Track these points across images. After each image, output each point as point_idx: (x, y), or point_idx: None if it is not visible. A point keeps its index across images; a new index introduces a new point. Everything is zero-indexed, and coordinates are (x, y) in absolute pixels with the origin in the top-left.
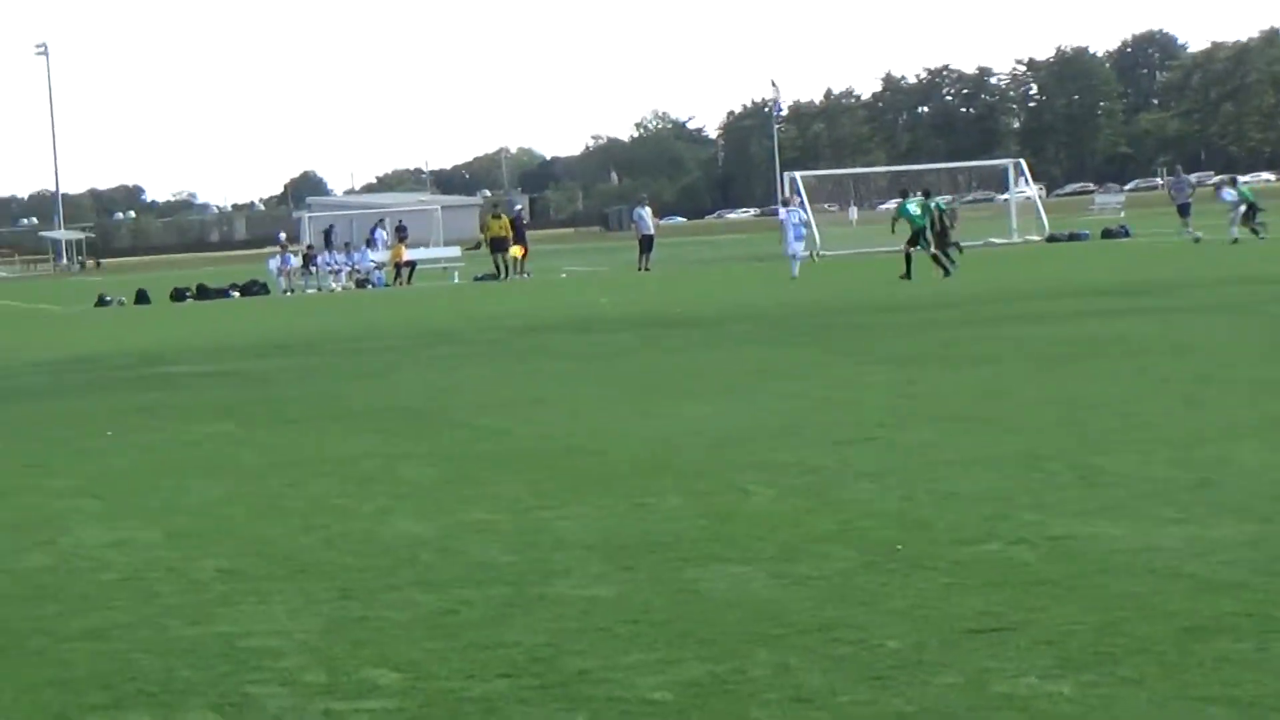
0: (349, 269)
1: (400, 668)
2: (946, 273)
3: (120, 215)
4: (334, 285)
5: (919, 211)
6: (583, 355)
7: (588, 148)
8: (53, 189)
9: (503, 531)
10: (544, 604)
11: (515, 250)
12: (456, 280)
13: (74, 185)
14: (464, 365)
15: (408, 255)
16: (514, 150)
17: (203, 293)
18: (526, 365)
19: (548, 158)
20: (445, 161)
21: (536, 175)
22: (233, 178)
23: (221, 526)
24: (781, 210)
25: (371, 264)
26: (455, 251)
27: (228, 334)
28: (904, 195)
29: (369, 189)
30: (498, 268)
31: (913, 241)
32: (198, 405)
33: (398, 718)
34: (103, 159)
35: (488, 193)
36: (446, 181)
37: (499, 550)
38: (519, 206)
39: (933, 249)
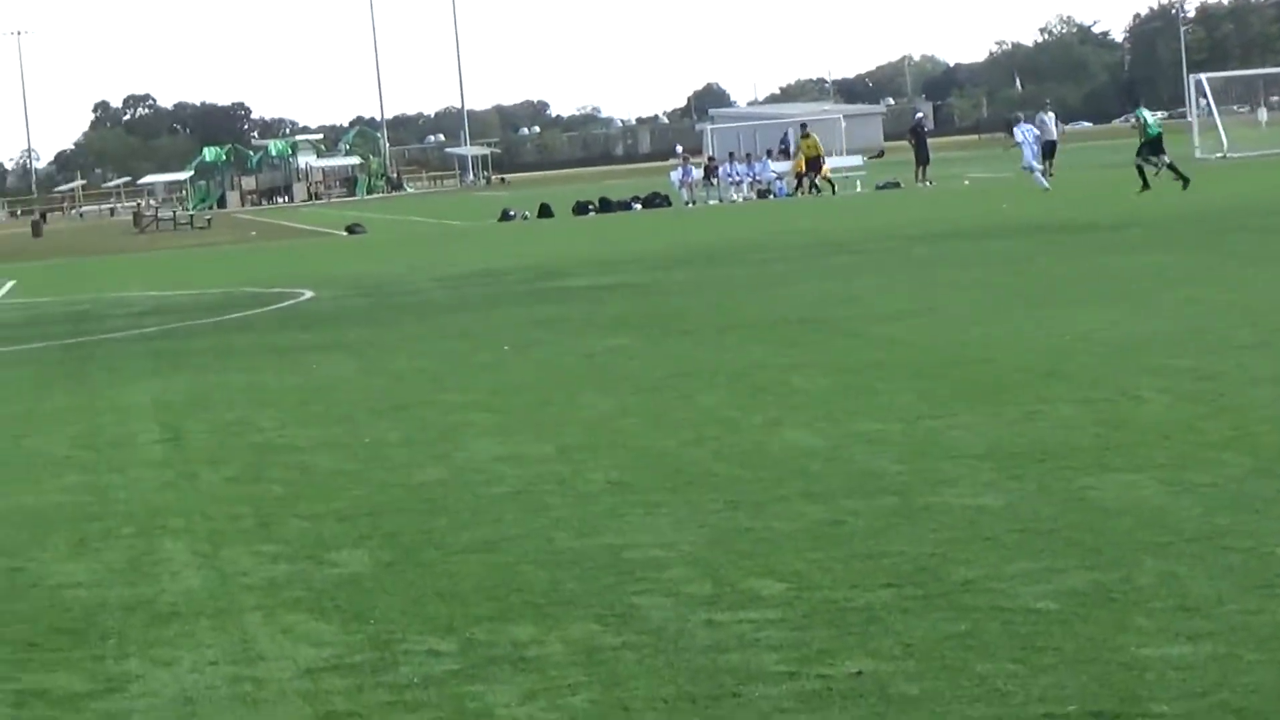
0: (750, 180)
1: (784, 578)
2: None
3: (525, 130)
4: (735, 196)
5: None
6: (978, 263)
7: (991, 54)
8: (459, 106)
9: (892, 441)
10: (930, 513)
11: (825, 170)
12: (859, 190)
13: (480, 102)
14: (859, 274)
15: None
16: (917, 58)
17: (605, 206)
18: (921, 274)
19: (951, 65)
20: (848, 70)
21: (940, 82)
22: (636, 91)
23: (612, 439)
24: (1017, 131)
25: (773, 174)
26: (858, 160)
27: (627, 247)
28: None
29: (772, 99)
30: (812, 185)
31: None
32: (594, 318)
33: (780, 628)
34: (508, 75)
35: (891, 101)
36: (849, 90)
37: (888, 460)
38: (920, 114)
39: None
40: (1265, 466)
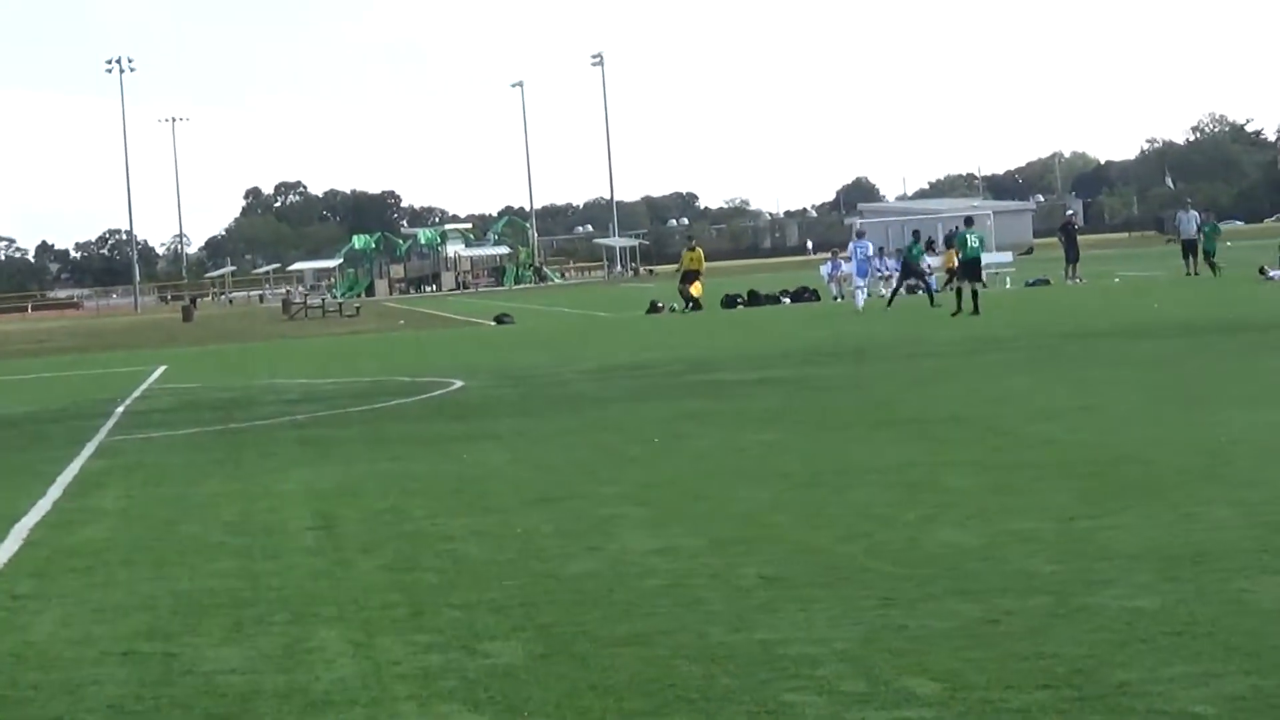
0: (898, 274)
1: (939, 677)
2: None
3: (674, 222)
4: (884, 291)
5: None
6: (1132, 361)
7: (1143, 151)
8: (607, 196)
9: (1046, 540)
10: (1086, 614)
11: (695, 288)
12: (1009, 286)
13: (628, 193)
14: (1012, 372)
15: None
16: (1067, 154)
17: (753, 299)
18: (1075, 372)
19: (1101, 161)
20: (998, 166)
21: (1090, 179)
22: (785, 184)
23: (765, 534)
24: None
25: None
26: (1008, 257)
27: (776, 341)
28: None
29: (921, 194)
30: (687, 299)
31: None
32: (745, 412)
33: None
34: (657, 167)
35: (1040, 197)
36: (999, 186)
37: (1042, 559)
38: (1070, 211)
39: None
40: None
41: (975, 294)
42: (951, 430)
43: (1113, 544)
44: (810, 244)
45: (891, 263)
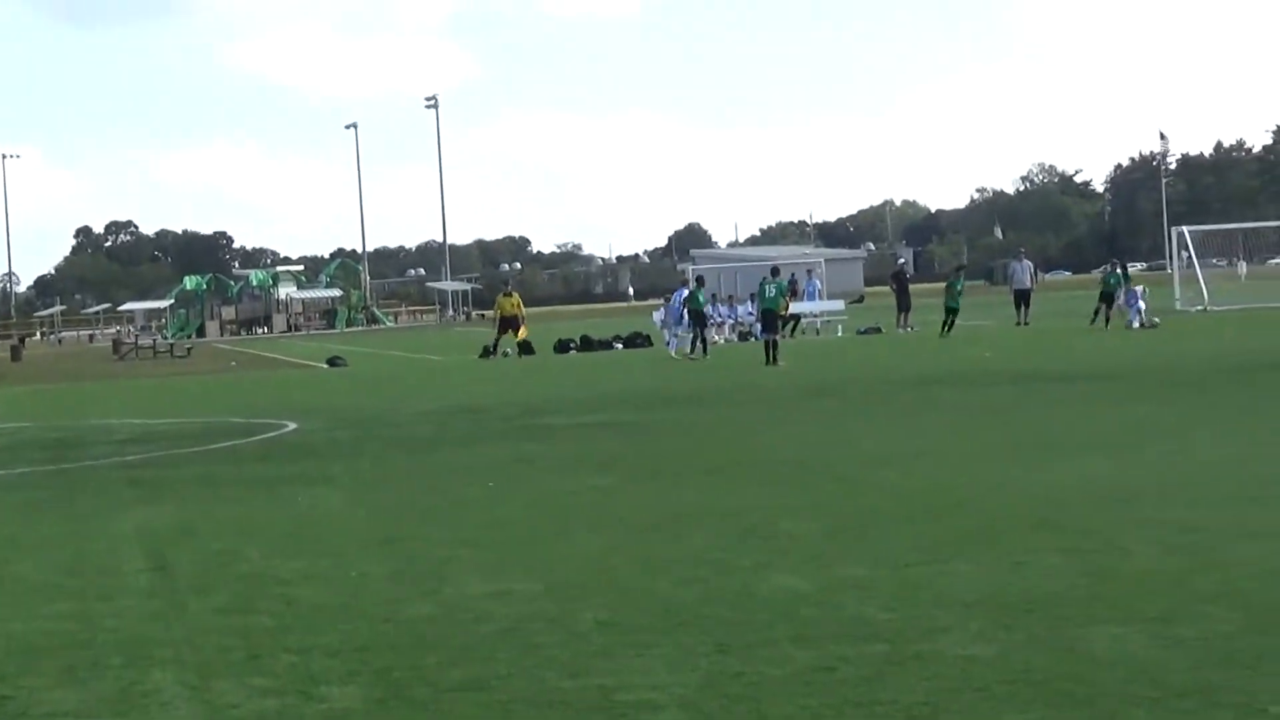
0: (732, 321)
1: None
2: None
3: (506, 266)
4: (717, 338)
5: None
6: (965, 409)
7: (973, 200)
8: (440, 240)
9: (881, 587)
10: (922, 662)
11: (521, 333)
12: (841, 333)
13: (461, 236)
14: (845, 419)
15: (792, 308)
16: (898, 202)
17: (586, 344)
18: (909, 418)
19: (932, 210)
20: (830, 213)
21: (921, 228)
22: (618, 229)
23: (602, 579)
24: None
25: (753, 317)
26: (839, 305)
27: (610, 386)
28: None
29: (753, 241)
30: (496, 346)
31: None
32: (580, 457)
33: None
34: (490, 210)
35: (871, 246)
36: (830, 233)
37: (877, 606)
38: (902, 260)
39: None
40: (1255, 622)
41: (769, 345)
42: (786, 476)
43: (948, 591)
44: (631, 290)
45: (724, 310)
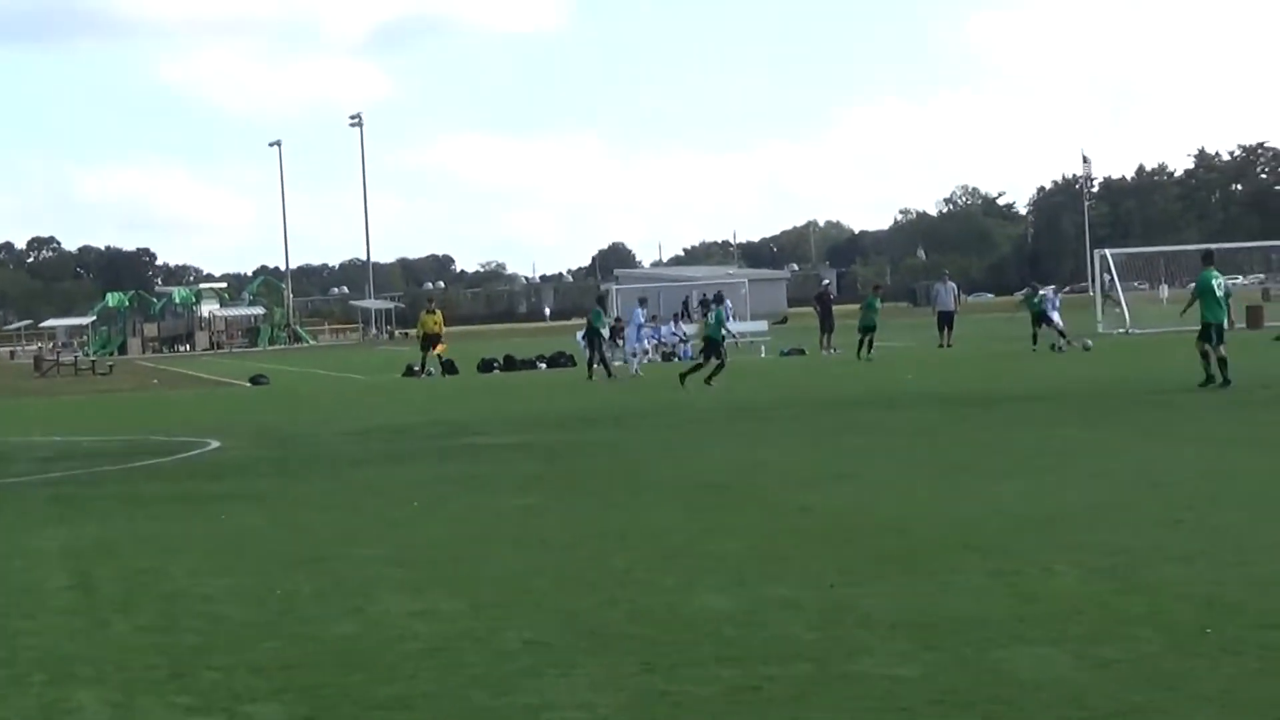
0: (656, 342)
1: None
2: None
3: (429, 285)
4: (640, 358)
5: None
6: (888, 431)
7: (896, 222)
8: (364, 258)
9: (806, 607)
10: (847, 682)
11: (440, 348)
12: (764, 354)
13: (385, 255)
14: (767, 441)
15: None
16: (822, 224)
17: (509, 364)
18: (832, 440)
19: (855, 232)
20: (753, 234)
21: (844, 249)
22: (541, 249)
23: (527, 598)
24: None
25: (677, 337)
26: (762, 326)
27: (534, 406)
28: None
29: (676, 261)
30: (423, 365)
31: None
32: (504, 477)
33: None
34: (414, 229)
35: (795, 266)
36: (754, 254)
37: (802, 626)
38: (826, 281)
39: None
40: (1179, 644)
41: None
42: (710, 497)
43: (872, 612)
44: (547, 310)
45: (648, 330)
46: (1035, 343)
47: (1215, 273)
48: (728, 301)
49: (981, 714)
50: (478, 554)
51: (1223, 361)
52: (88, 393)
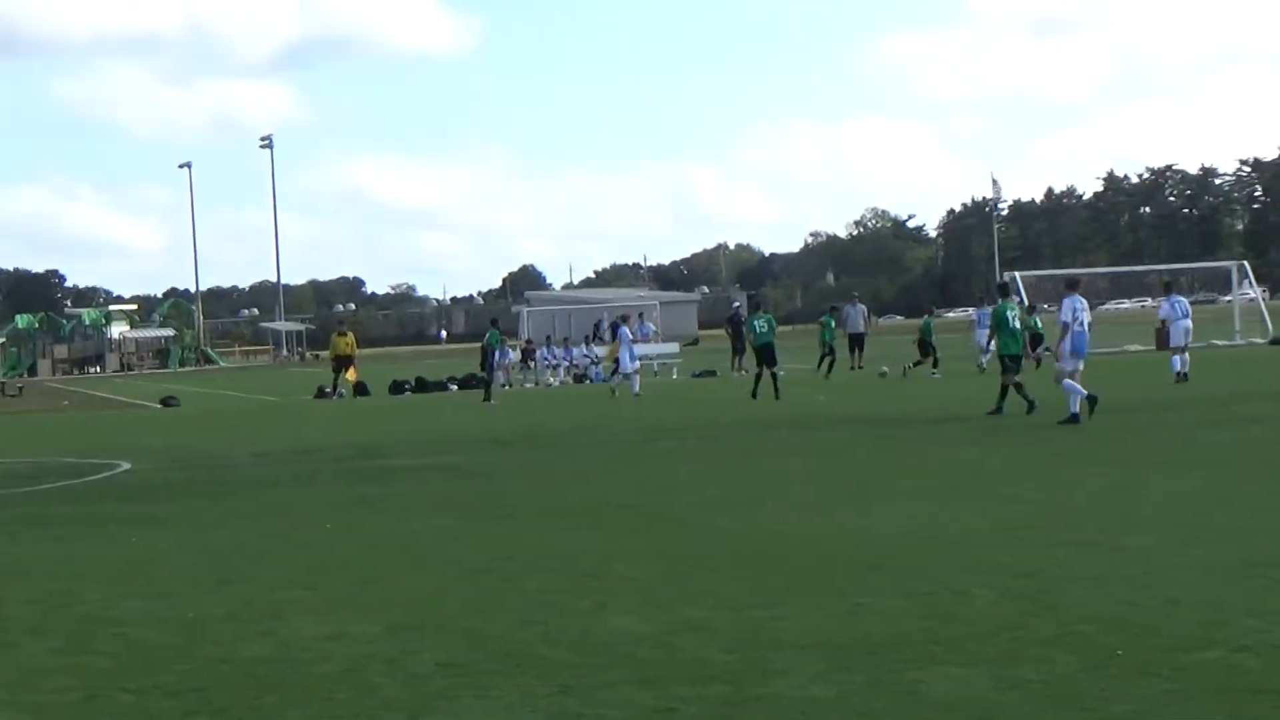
0: (568, 364)
1: None
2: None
3: (340, 307)
4: (552, 380)
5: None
6: (798, 453)
7: (806, 245)
8: (274, 280)
9: (720, 629)
10: (762, 704)
11: (350, 374)
12: (675, 376)
13: (295, 277)
14: (678, 462)
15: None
16: (732, 246)
17: (421, 385)
18: (744, 461)
19: (766, 254)
20: (664, 256)
21: (755, 272)
22: (452, 271)
23: (439, 620)
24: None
25: (588, 359)
26: (674, 348)
27: (445, 427)
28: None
29: (587, 284)
30: (335, 387)
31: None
32: (415, 499)
33: None
34: (324, 251)
35: (705, 289)
36: (665, 276)
37: (716, 648)
38: (737, 304)
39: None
40: (1093, 665)
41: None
42: (622, 518)
43: (786, 634)
44: (443, 334)
45: (559, 352)
46: (924, 364)
47: (1011, 305)
48: (650, 324)
49: None
50: (390, 576)
51: (1004, 390)
52: None
